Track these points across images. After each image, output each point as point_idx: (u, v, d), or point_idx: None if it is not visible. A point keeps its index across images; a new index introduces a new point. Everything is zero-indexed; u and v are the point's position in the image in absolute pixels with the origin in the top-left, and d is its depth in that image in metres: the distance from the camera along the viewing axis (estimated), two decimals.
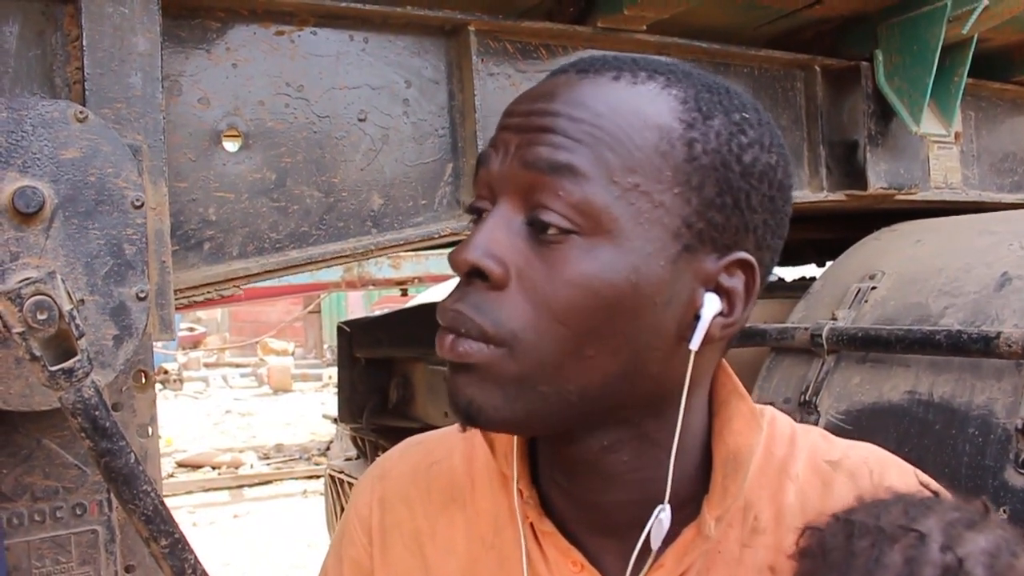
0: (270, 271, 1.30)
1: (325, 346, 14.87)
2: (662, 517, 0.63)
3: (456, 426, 0.81)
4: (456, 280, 0.64)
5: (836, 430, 0.72)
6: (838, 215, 2.40)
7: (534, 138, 0.59)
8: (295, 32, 1.32)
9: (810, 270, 3.16)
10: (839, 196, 1.88)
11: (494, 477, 0.74)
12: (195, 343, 15.57)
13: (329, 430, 8.00)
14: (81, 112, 1.01)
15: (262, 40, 1.30)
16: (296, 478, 7.21)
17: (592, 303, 0.57)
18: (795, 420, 0.74)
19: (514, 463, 0.69)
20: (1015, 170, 2.29)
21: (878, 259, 1.65)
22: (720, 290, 0.61)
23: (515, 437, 0.70)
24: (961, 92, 1.87)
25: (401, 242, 1.40)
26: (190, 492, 6.87)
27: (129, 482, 0.88)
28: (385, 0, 1.37)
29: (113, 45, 1.11)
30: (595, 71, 0.61)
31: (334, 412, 3.50)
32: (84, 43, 1.09)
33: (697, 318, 0.60)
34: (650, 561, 0.65)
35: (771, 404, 0.76)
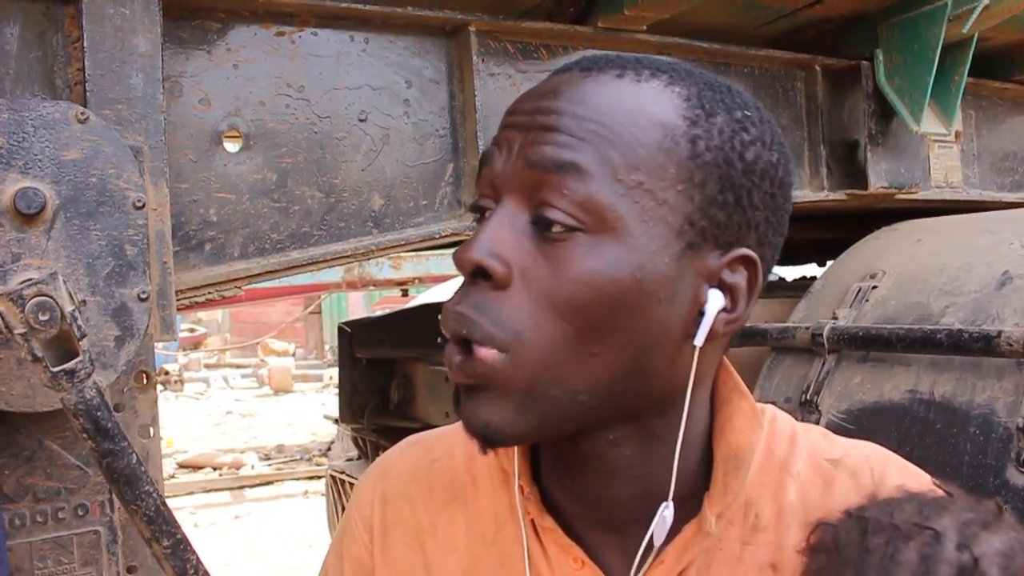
0: (271, 272, 1.30)
1: (326, 347, 14.87)
2: (666, 514, 0.63)
3: (456, 424, 0.81)
4: (460, 280, 0.63)
5: (837, 429, 0.72)
6: (839, 214, 2.40)
7: (538, 136, 0.59)
8: (296, 33, 1.32)
9: (811, 269, 3.17)
10: (840, 195, 1.88)
11: (495, 474, 0.74)
12: (196, 344, 15.57)
13: (330, 431, 8.00)
14: (82, 113, 1.01)
15: (263, 41, 1.30)
16: (297, 479, 7.21)
17: (596, 300, 0.58)
18: (796, 420, 0.75)
19: (515, 459, 0.70)
20: (1015, 169, 2.29)
21: (879, 258, 1.65)
22: (723, 286, 0.62)
23: None
24: (961, 91, 1.87)
25: (402, 242, 1.41)
26: (191, 493, 6.87)
27: (131, 483, 0.88)
28: (385, 0, 1.37)
29: (114, 46, 1.11)
30: (598, 69, 0.61)
31: (335, 413, 3.50)
32: (85, 44, 1.09)
33: (701, 314, 0.61)
34: (651, 558, 0.65)
35: (772, 403, 0.76)
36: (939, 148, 2.02)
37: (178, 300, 1.18)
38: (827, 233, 2.63)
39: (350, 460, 3.32)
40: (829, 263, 1.88)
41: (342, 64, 1.36)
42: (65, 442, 1.06)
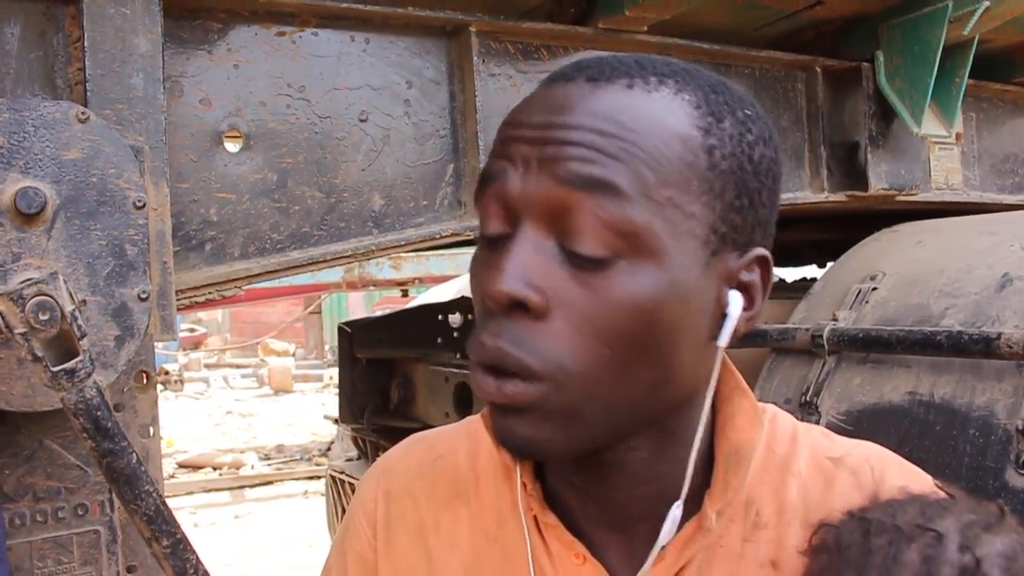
0: (271, 271, 1.30)
1: (326, 347, 14.87)
2: (676, 514, 0.64)
3: (459, 423, 0.82)
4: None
5: (837, 431, 0.73)
6: (839, 216, 2.40)
7: (560, 152, 0.57)
8: (296, 33, 1.32)
9: (811, 271, 3.16)
10: (840, 197, 1.88)
11: (498, 470, 0.74)
12: (196, 344, 15.57)
13: (330, 431, 8.00)
14: (83, 113, 1.01)
15: (263, 41, 1.30)
16: (297, 479, 7.21)
17: (638, 323, 0.57)
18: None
19: None
20: (1016, 171, 2.29)
21: (879, 260, 1.65)
22: (741, 286, 0.63)
23: None
24: (962, 93, 1.87)
25: (402, 243, 1.41)
26: (191, 493, 6.87)
27: (131, 482, 0.88)
28: (386, 1, 1.37)
29: (114, 46, 1.11)
30: (606, 79, 0.60)
31: (335, 412, 3.50)
32: (85, 44, 1.09)
33: (724, 316, 0.62)
34: (653, 555, 0.66)
35: (772, 404, 0.76)
36: (940, 150, 2.02)
37: (178, 300, 1.18)
38: (827, 234, 2.63)
39: (350, 460, 3.32)
40: (829, 264, 1.88)
41: (343, 64, 1.36)
42: (65, 442, 1.06)
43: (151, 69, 1.13)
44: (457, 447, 0.78)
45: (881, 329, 1.42)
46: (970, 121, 2.17)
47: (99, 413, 0.86)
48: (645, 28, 1.57)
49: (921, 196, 1.98)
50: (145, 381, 1.13)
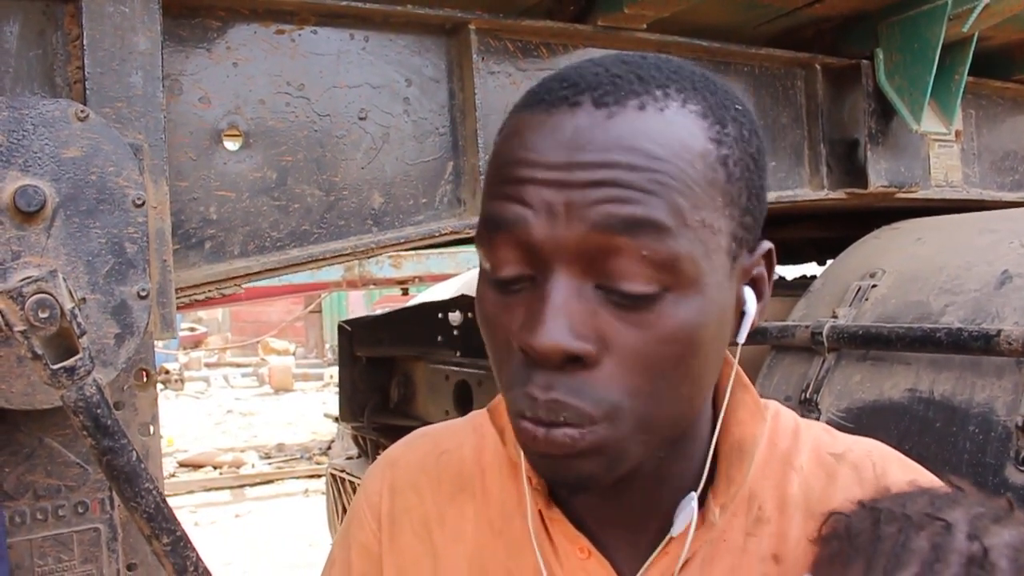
0: (271, 270, 1.30)
1: (326, 345, 14.88)
2: (693, 506, 0.64)
3: (464, 418, 0.82)
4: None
5: (837, 428, 0.73)
6: (839, 213, 2.40)
7: (590, 194, 0.54)
8: (295, 31, 1.32)
9: (811, 268, 3.16)
10: (840, 194, 1.88)
11: (504, 465, 0.74)
12: (196, 343, 15.57)
13: (330, 429, 8.01)
14: (82, 111, 1.01)
15: (262, 39, 1.30)
16: (297, 477, 7.21)
17: (688, 351, 0.57)
18: None
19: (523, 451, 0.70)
20: (1016, 168, 2.29)
21: (879, 257, 1.65)
22: (751, 281, 0.63)
23: None
24: (962, 90, 1.87)
25: (402, 241, 1.41)
26: (192, 492, 6.87)
27: (131, 480, 0.88)
28: None
29: (114, 44, 1.11)
30: (615, 102, 0.56)
31: (335, 411, 3.50)
32: (85, 42, 1.09)
33: (743, 314, 0.62)
34: (657, 549, 0.66)
35: (774, 401, 0.77)
36: (939, 147, 2.02)
37: (178, 298, 1.18)
38: (827, 232, 2.63)
39: (350, 459, 3.32)
40: (829, 262, 1.88)
41: (342, 62, 1.36)
42: (65, 440, 1.06)
43: (150, 67, 1.13)
44: (462, 442, 0.78)
45: (881, 326, 1.42)
46: (969, 118, 2.17)
47: (99, 411, 0.86)
48: (644, 26, 1.57)
49: (921, 193, 1.98)
50: (145, 379, 1.13)
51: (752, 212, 0.61)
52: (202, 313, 15.80)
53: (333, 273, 5.37)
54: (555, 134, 0.56)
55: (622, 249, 0.54)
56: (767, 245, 0.64)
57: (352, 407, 3.11)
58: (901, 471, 0.68)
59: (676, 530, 0.65)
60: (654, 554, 0.66)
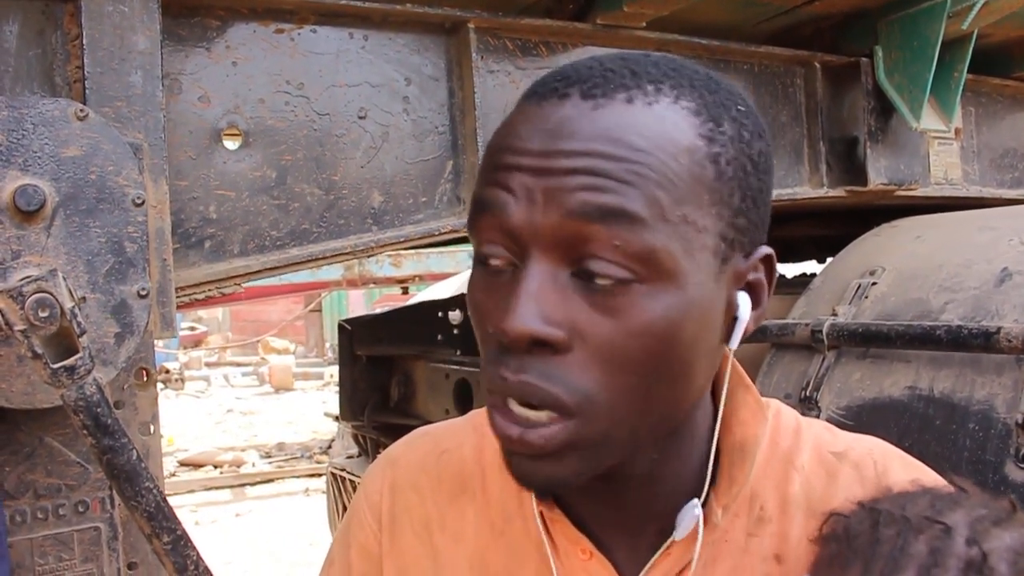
0: (271, 269, 1.30)
1: (326, 344, 14.88)
2: (696, 512, 0.64)
3: (464, 417, 0.82)
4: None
5: (837, 426, 0.73)
6: (838, 211, 2.40)
7: (567, 182, 0.54)
8: (295, 30, 1.32)
9: (811, 266, 3.17)
10: (839, 192, 1.88)
11: (504, 465, 0.74)
12: (196, 342, 15.58)
13: (331, 428, 8.00)
14: (81, 110, 1.01)
15: (262, 38, 1.30)
16: (298, 476, 7.22)
17: (661, 346, 0.56)
18: None
19: None
20: (1015, 166, 2.29)
21: (878, 255, 1.65)
22: (747, 286, 0.62)
23: None
24: (961, 88, 1.87)
25: (402, 239, 1.41)
26: (192, 491, 6.87)
27: (131, 479, 0.88)
28: None
29: (113, 44, 1.11)
30: (604, 95, 0.57)
31: (335, 410, 3.50)
32: (84, 42, 1.09)
33: (735, 319, 0.61)
34: (660, 551, 0.66)
35: (775, 399, 0.76)
36: (939, 145, 2.02)
37: (178, 297, 1.18)
38: (827, 230, 2.63)
39: (351, 457, 3.32)
40: (829, 260, 1.88)
41: (341, 61, 1.36)
42: (65, 439, 1.06)
43: (150, 67, 1.13)
44: (463, 442, 0.78)
45: (881, 324, 1.42)
46: (969, 116, 2.17)
47: (99, 410, 0.86)
48: (643, 24, 1.57)
49: (920, 191, 1.98)
50: (145, 378, 1.13)
51: (747, 214, 0.60)
52: (202, 312, 15.80)
53: (333, 272, 5.38)
54: (541, 123, 0.57)
55: (596, 237, 0.54)
56: (765, 250, 0.62)
57: (352, 406, 3.11)
58: (903, 469, 0.68)
59: (679, 534, 0.64)
60: (655, 556, 0.65)
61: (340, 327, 3.20)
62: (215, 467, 7.62)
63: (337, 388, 3.33)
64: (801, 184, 1.84)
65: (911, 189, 1.95)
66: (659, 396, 0.58)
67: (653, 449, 0.64)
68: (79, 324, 0.85)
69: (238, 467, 7.61)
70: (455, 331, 2.48)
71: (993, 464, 1.20)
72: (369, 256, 1.49)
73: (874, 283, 1.56)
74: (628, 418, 0.58)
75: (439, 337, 2.53)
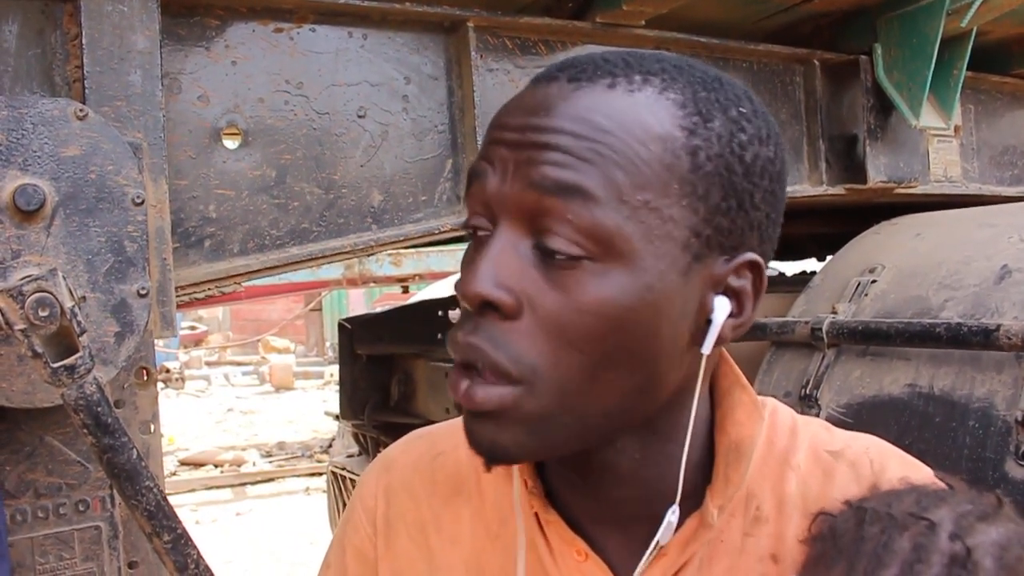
0: (271, 268, 1.30)
1: (327, 344, 14.89)
2: (672, 519, 0.63)
3: (460, 419, 0.81)
4: (454, 277, 0.63)
5: (837, 423, 0.73)
6: (838, 209, 2.40)
7: (534, 156, 0.57)
8: (294, 29, 1.32)
9: (810, 264, 3.17)
10: (839, 190, 1.88)
11: (500, 468, 0.74)
12: (197, 342, 15.57)
13: (331, 427, 8.01)
14: (81, 110, 1.01)
15: (261, 37, 1.30)
16: (298, 475, 7.22)
17: (609, 328, 0.56)
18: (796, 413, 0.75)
19: None
20: (1015, 163, 2.29)
21: (878, 253, 1.65)
22: (729, 292, 0.61)
23: None
24: (960, 85, 1.87)
25: (402, 238, 1.41)
26: (193, 490, 6.87)
27: (132, 478, 0.88)
28: None
29: (112, 43, 1.11)
30: (588, 79, 0.59)
31: (336, 409, 3.51)
32: (83, 41, 1.09)
33: (709, 322, 0.61)
34: (655, 551, 0.66)
35: (772, 398, 0.76)
36: (938, 142, 2.02)
37: (178, 296, 1.18)
38: (826, 228, 2.64)
39: (351, 456, 3.32)
40: (828, 258, 1.89)
41: (340, 60, 1.36)
42: (66, 438, 1.06)
43: (149, 66, 1.13)
44: (458, 444, 0.78)
45: (880, 321, 1.42)
46: (968, 113, 2.17)
47: (99, 409, 0.86)
48: (643, 22, 1.57)
49: (920, 189, 1.98)
50: (145, 378, 1.13)
51: (730, 215, 0.59)
52: (202, 312, 15.80)
53: (333, 271, 5.37)
54: (527, 101, 0.60)
55: (552, 210, 0.56)
56: (749, 256, 0.61)
57: (353, 405, 3.11)
58: (899, 467, 0.68)
59: (663, 538, 0.64)
60: (644, 558, 0.65)
61: (340, 326, 3.21)
62: (215, 466, 7.63)
63: (337, 387, 3.34)
64: (800, 182, 1.84)
65: (911, 187, 1.95)
66: (613, 384, 0.58)
67: (624, 443, 0.64)
68: (79, 323, 0.86)
69: (238, 466, 7.61)
70: None
71: (993, 461, 1.20)
72: (369, 255, 1.49)
73: (874, 281, 1.56)
74: (575, 399, 0.58)
75: (439, 336, 2.53)
